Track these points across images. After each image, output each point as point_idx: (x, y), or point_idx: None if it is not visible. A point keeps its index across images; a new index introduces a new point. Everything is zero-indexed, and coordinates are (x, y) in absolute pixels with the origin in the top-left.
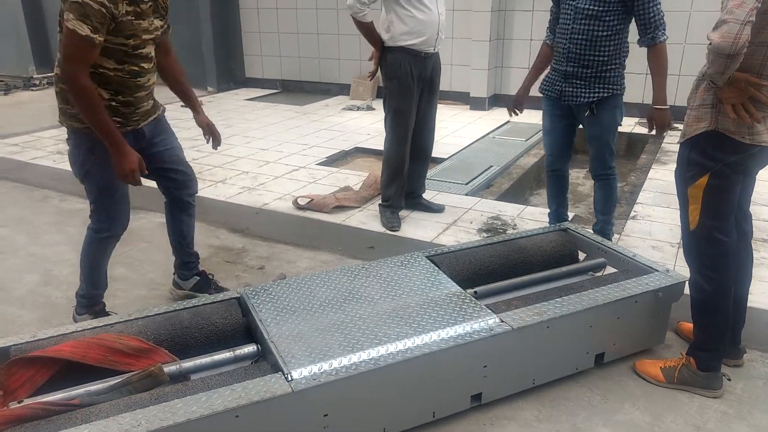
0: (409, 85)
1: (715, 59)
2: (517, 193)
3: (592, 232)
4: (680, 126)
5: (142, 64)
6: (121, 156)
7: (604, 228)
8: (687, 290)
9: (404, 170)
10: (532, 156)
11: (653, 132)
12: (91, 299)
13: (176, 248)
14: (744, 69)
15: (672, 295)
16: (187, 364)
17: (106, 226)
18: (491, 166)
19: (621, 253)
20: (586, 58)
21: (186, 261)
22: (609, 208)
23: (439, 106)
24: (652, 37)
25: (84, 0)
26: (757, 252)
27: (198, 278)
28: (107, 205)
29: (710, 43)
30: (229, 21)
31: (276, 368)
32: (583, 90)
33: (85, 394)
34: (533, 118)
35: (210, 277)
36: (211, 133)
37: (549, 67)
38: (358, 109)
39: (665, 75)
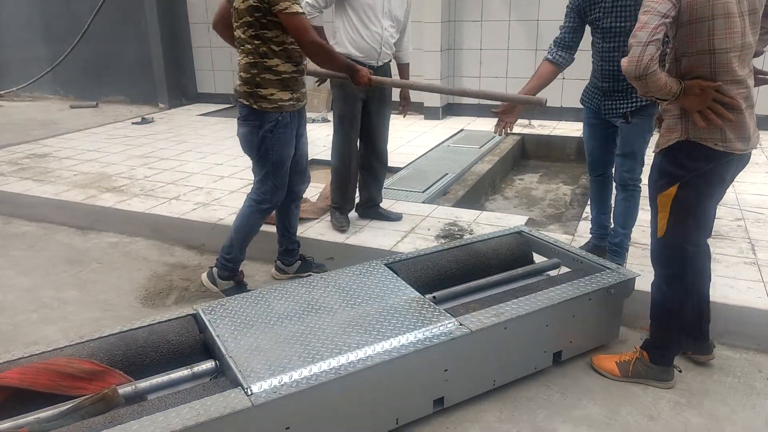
0: (353, 92)
1: (632, 83)
2: (473, 199)
3: (551, 236)
4: None
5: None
6: (357, 73)
7: (623, 242)
8: (638, 286)
9: (350, 174)
10: (486, 162)
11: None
12: (236, 264)
13: (283, 236)
14: (697, 78)
15: (624, 291)
16: (143, 384)
17: (269, 197)
18: (447, 174)
19: (573, 253)
20: (621, 73)
21: (290, 248)
22: (631, 221)
23: (393, 116)
24: None
25: None
26: (712, 248)
27: (300, 262)
28: (277, 177)
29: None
30: (179, 36)
31: (235, 383)
32: (621, 102)
33: (34, 422)
34: (486, 125)
35: (309, 259)
36: None
37: (589, 80)
38: (313, 121)
39: None
